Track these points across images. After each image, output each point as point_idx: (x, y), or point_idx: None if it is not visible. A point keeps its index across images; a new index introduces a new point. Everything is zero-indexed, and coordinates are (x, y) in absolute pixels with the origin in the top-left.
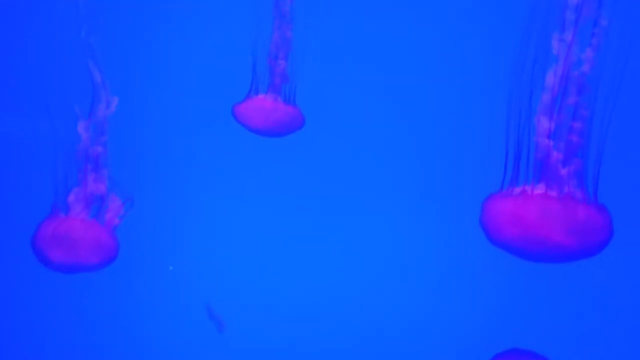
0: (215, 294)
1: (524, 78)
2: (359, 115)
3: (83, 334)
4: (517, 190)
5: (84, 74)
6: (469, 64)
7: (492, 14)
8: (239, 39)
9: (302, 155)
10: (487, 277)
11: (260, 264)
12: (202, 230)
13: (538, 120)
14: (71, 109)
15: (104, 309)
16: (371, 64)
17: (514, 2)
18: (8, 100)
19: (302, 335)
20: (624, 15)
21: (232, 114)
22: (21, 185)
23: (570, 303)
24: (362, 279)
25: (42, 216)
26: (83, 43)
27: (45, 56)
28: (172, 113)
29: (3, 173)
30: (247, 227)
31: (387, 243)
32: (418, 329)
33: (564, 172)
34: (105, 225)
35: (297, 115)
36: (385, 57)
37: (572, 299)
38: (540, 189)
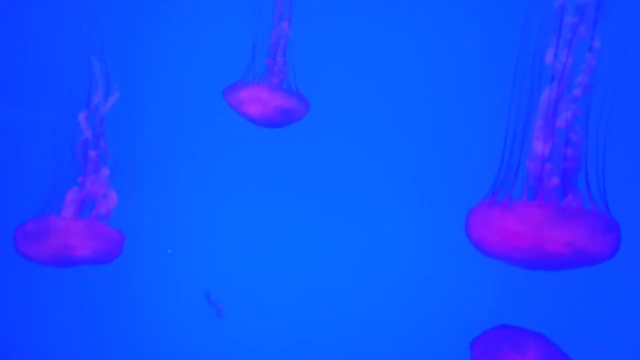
0: (215, 282)
1: (521, 86)
2: (357, 110)
3: (83, 325)
4: (501, 199)
5: (84, 67)
6: (469, 63)
7: (492, 16)
8: (238, 32)
9: (299, 149)
10: (485, 278)
11: (259, 255)
12: (201, 220)
13: (533, 136)
14: (71, 102)
15: (104, 301)
16: (370, 60)
17: (510, 16)
18: (9, 93)
19: (299, 320)
20: (618, 35)
21: (224, 96)
22: (19, 180)
23: (565, 310)
24: (359, 272)
25: (37, 211)
26: (83, 37)
27: (45, 52)
28: (170, 107)
29: (2, 165)
30: (245, 219)
31: (385, 236)
32: (413, 326)
33: (555, 182)
34: (103, 221)
35: (298, 104)
36: (384, 55)
37: (566, 307)
38: (530, 199)
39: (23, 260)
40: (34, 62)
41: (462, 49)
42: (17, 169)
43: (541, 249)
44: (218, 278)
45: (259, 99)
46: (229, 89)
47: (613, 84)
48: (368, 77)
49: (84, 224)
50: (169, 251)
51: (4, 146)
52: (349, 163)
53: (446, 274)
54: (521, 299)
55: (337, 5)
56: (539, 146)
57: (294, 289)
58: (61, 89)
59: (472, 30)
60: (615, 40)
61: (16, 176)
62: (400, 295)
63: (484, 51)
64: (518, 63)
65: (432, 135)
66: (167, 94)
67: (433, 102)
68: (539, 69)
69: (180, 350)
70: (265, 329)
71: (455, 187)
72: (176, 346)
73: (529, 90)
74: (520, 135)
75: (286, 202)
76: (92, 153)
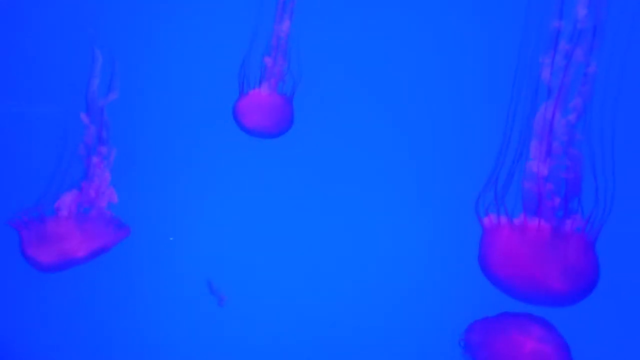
0: (216, 272)
1: (518, 98)
2: (355, 115)
3: (84, 317)
4: (509, 224)
5: (85, 65)
6: (469, 63)
7: (489, 26)
8: (237, 37)
9: (297, 154)
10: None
11: (260, 246)
12: (202, 213)
13: (531, 155)
14: (73, 100)
15: (104, 295)
16: (367, 63)
17: (506, 31)
18: (10, 89)
19: (299, 309)
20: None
21: (233, 114)
22: (18, 175)
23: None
24: (355, 271)
25: (37, 208)
26: (85, 35)
27: (46, 50)
28: (170, 111)
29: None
30: (244, 222)
31: (382, 240)
32: (412, 326)
33: (555, 203)
34: (102, 220)
35: (290, 109)
36: (382, 57)
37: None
38: (532, 222)
39: (21, 257)
40: (35, 60)
41: (462, 49)
42: (18, 165)
43: (540, 280)
44: (219, 268)
45: (258, 105)
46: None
47: (610, 102)
48: (367, 79)
49: (83, 226)
50: (171, 238)
51: (4, 141)
52: (346, 165)
53: (446, 274)
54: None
55: (336, 5)
56: (536, 165)
57: (294, 278)
58: (63, 85)
59: (472, 30)
60: (611, 63)
61: (16, 172)
62: (399, 294)
63: (485, 48)
64: (516, 74)
65: (429, 135)
66: (167, 93)
67: (430, 102)
68: (536, 83)
69: (182, 338)
70: (266, 319)
71: (455, 186)
72: (178, 334)
73: (526, 104)
74: (518, 150)
75: (286, 199)
76: (95, 150)
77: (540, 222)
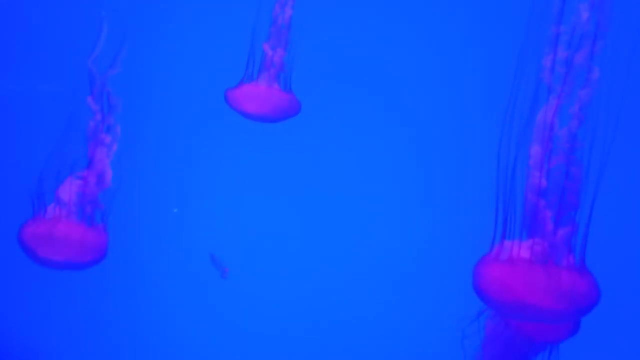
0: (219, 245)
1: (516, 124)
2: (354, 104)
3: (89, 292)
4: (505, 253)
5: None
6: (470, 62)
7: (489, 30)
8: (237, 26)
9: (296, 142)
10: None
11: (262, 223)
12: (205, 189)
13: (529, 174)
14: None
15: (105, 290)
16: (368, 55)
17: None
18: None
19: (299, 283)
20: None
21: (225, 99)
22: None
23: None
24: (355, 261)
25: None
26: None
27: (47, 47)
28: (169, 103)
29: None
30: (245, 210)
31: (381, 228)
32: (410, 326)
33: (553, 230)
34: (97, 222)
35: (293, 101)
36: (382, 57)
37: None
38: (527, 248)
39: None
40: (40, 39)
41: (463, 46)
42: (21, 145)
43: (536, 308)
44: (222, 240)
45: (256, 96)
46: (229, 91)
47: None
48: (367, 78)
49: (81, 228)
50: (175, 210)
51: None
52: (345, 153)
53: (445, 273)
54: None
55: (337, 6)
56: (537, 178)
57: (295, 253)
58: (68, 64)
59: (472, 32)
60: (612, 70)
61: (17, 166)
62: (399, 294)
63: (486, 52)
64: (516, 77)
65: (427, 125)
66: (167, 91)
67: (429, 93)
68: (537, 86)
69: (186, 310)
70: (268, 290)
71: (455, 187)
72: (181, 306)
73: (526, 107)
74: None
75: (282, 190)
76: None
77: (534, 243)
